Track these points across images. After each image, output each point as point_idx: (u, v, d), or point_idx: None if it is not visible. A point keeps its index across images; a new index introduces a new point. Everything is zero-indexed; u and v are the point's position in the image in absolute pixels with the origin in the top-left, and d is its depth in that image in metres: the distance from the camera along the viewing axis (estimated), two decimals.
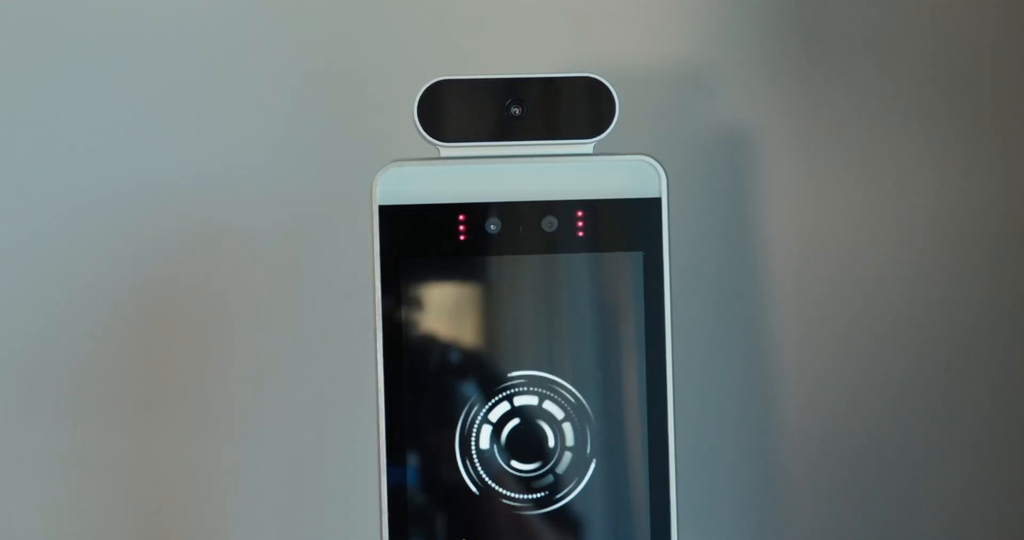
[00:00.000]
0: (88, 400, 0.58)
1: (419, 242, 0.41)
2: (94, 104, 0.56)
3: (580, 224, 0.42)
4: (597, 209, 0.42)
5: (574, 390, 0.42)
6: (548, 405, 0.42)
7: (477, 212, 0.41)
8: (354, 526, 0.59)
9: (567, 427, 0.42)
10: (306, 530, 0.59)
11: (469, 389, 0.41)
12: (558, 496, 0.42)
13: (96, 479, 0.58)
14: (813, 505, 0.61)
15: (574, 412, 0.42)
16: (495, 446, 0.41)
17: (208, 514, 0.59)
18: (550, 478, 0.42)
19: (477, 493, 0.41)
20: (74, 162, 0.57)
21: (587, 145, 0.42)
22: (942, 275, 0.60)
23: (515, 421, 0.41)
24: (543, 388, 0.42)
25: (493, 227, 0.42)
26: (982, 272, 0.60)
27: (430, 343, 0.41)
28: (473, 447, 0.41)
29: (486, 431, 0.41)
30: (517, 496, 0.42)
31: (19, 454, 0.58)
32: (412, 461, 0.41)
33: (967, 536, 0.62)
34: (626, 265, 0.42)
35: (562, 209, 0.42)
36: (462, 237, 0.41)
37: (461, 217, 0.41)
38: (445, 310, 0.42)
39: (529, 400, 0.42)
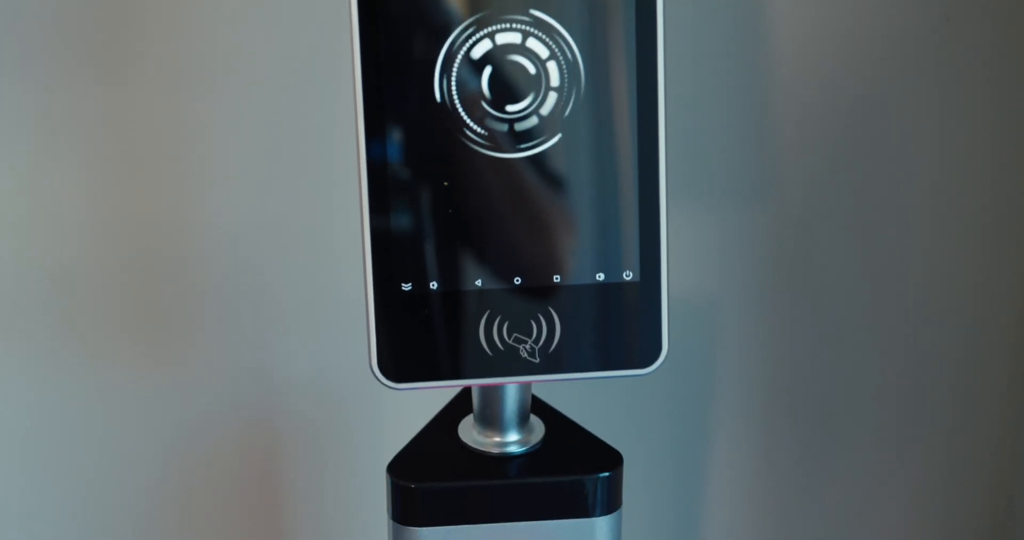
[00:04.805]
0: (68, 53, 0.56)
1: None
2: None
3: None
4: None
5: (559, 28, 0.39)
6: (532, 43, 0.39)
7: None
8: (336, 175, 0.59)
9: (552, 66, 0.39)
10: (284, 187, 0.59)
11: (447, 26, 0.39)
12: (541, 139, 0.40)
13: (78, 136, 0.58)
14: (802, 170, 0.61)
15: (560, 51, 0.39)
16: (476, 86, 0.39)
17: (186, 169, 0.59)
18: (533, 119, 0.40)
19: (457, 135, 0.40)
20: None
21: None
22: None
23: (497, 59, 0.39)
24: (526, 25, 0.39)
25: None
26: None
27: None
28: (454, 88, 0.39)
29: (467, 70, 0.39)
30: (499, 140, 0.40)
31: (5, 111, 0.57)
32: (391, 102, 0.39)
33: (952, 216, 0.62)
34: None
35: None
36: None
37: None
38: None
39: (511, 37, 0.39)
